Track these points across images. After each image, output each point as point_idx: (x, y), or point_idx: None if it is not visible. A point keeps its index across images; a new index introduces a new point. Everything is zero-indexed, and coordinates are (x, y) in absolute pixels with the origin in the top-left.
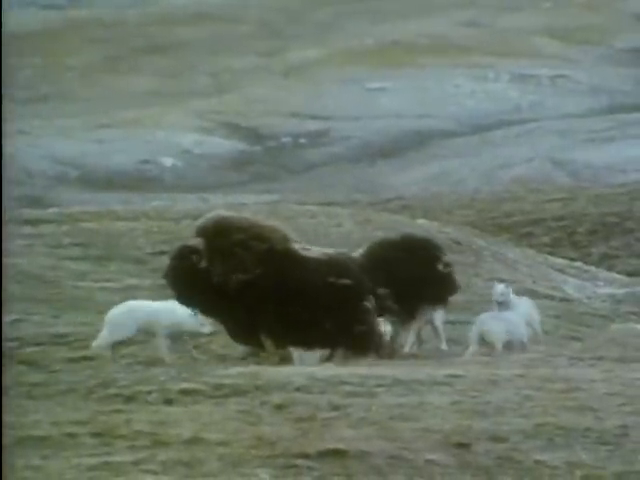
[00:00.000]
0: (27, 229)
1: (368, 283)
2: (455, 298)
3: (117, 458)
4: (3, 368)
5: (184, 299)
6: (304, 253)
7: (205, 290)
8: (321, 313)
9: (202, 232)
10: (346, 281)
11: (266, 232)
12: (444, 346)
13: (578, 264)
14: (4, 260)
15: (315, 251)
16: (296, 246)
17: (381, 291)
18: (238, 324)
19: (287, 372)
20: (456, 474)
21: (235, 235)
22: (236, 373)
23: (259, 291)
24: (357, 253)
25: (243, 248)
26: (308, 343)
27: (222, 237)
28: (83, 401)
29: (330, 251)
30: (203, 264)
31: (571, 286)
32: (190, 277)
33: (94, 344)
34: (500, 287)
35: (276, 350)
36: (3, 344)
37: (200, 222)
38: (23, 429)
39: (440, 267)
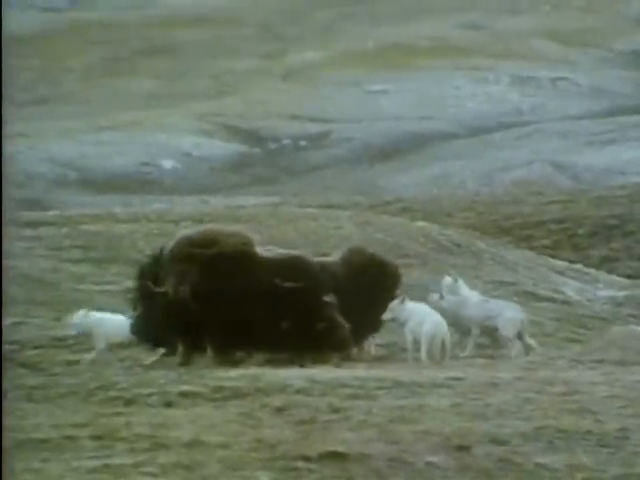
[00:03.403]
0: (27, 232)
1: (328, 281)
2: None
3: (117, 461)
4: (3, 371)
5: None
6: (262, 255)
7: (161, 312)
8: (273, 314)
9: (167, 255)
10: (298, 281)
11: (219, 238)
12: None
13: (578, 266)
14: (4, 263)
15: (275, 252)
16: (257, 249)
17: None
18: (188, 333)
19: (287, 375)
20: (456, 477)
21: (183, 249)
22: (236, 376)
23: (204, 297)
24: (334, 257)
25: (186, 259)
26: (257, 345)
27: (176, 255)
28: (83, 404)
29: (293, 252)
30: (160, 288)
31: (571, 288)
32: (147, 301)
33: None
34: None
35: (216, 355)
36: (3, 347)
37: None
38: (23, 432)
39: (397, 293)
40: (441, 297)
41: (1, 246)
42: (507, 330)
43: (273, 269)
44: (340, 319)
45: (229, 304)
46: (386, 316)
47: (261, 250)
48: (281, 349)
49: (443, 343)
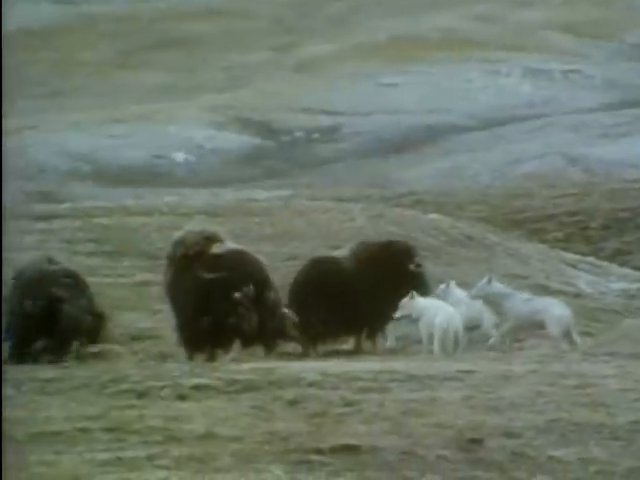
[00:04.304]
0: (40, 224)
1: (245, 275)
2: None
3: (130, 453)
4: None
5: None
6: (212, 252)
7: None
8: (194, 312)
9: None
10: (211, 275)
11: (187, 239)
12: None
13: (591, 259)
14: (16, 255)
15: (223, 248)
16: (212, 248)
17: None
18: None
19: (300, 368)
20: (468, 470)
21: (167, 252)
22: (249, 369)
23: (172, 297)
24: (343, 251)
25: (167, 262)
26: (189, 343)
27: (166, 257)
28: (96, 396)
29: (234, 247)
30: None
31: (584, 281)
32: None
33: None
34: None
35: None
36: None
37: None
38: (36, 424)
39: (412, 267)
40: (489, 281)
41: (1, 240)
42: (554, 328)
43: (209, 265)
44: (250, 314)
45: (182, 303)
46: (397, 314)
47: (214, 248)
48: (202, 346)
49: (456, 335)
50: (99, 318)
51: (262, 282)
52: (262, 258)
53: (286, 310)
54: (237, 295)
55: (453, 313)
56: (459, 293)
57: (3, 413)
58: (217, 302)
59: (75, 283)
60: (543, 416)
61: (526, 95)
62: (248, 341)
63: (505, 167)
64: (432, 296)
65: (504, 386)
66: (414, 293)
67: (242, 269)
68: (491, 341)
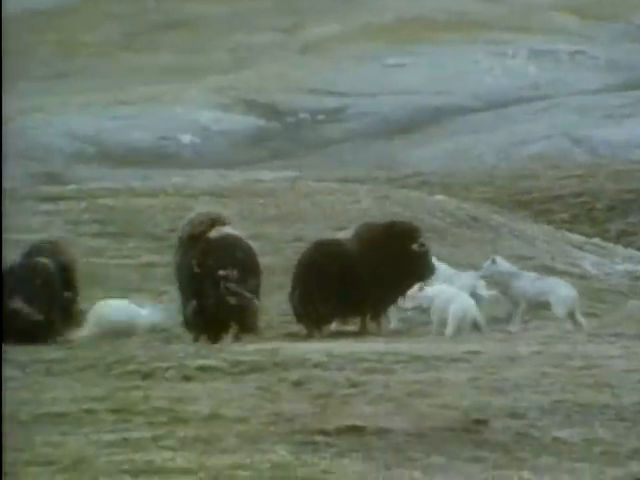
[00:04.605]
0: (45, 206)
1: (232, 261)
2: None
3: (135, 434)
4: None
5: None
6: (208, 236)
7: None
8: (188, 295)
9: None
10: (194, 260)
11: (193, 220)
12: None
13: (596, 240)
14: (19, 236)
15: (218, 233)
16: (213, 230)
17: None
18: None
19: (305, 349)
20: (474, 450)
21: (179, 233)
22: (254, 350)
23: (177, 278)
24: (346, 233)
25: (178, 240)
26: (191, 325)
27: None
28: (102, 377)
29: (229, 232)
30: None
31: (589, 262)
32: None
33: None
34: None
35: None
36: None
37: None
38: (42, 405)
39: (415, 247)
40: (493, 262)
41: (1, 222)
42: (560, 308)
43: (202, 249)
44: (239, 288)
45: (183, 284)
46: (407, 305)
47: (213, 231)
48: (201, 326)
49: (474, 322)
50: (49, 317)
51: (248, 268)
52: (254, 245)
53: (255, 299)
54: (221, 273)
55: (468, 300)
56: (443, 268)
57: (5, 395)
58: (204, 286)
59: (44, 282)
60: (548, 397)
61: (531, 76)
62: (244, 318)
63: (511, 148)
64: None
65: (509, 367)
66: (423, 284)
67: (231, 255)
68: (512, 328)
